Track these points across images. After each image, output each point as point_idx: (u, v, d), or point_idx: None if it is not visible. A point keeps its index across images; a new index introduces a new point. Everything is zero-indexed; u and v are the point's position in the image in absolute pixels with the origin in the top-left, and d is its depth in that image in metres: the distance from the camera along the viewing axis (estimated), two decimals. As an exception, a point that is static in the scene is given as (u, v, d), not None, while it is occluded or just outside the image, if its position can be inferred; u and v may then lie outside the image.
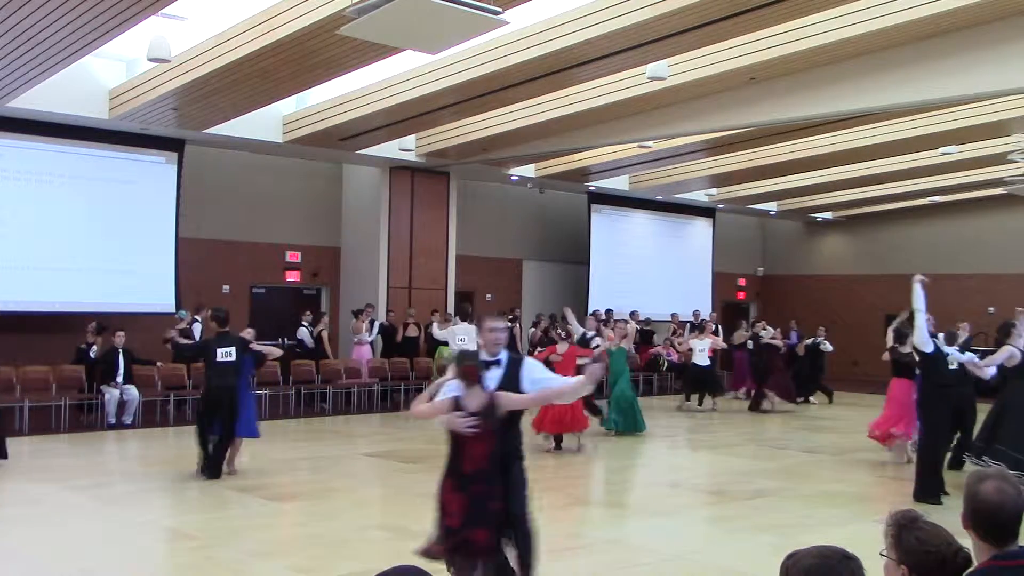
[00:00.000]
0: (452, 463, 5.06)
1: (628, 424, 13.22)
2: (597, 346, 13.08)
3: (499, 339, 5.32)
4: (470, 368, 5.00)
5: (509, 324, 18.52)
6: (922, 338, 8.96)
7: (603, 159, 17.65)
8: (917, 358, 9.29)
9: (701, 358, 16.80)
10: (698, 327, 18.82)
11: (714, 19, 9.70)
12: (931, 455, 9.01)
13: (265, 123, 14.52)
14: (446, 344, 17.08)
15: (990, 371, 9.92)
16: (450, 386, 5.11)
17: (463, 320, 14.69)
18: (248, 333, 10.30)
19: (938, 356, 9.14)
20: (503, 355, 5.29)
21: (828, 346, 18.62)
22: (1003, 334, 9.94)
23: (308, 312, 16.71)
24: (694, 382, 17.08)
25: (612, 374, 13.10)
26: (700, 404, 16.88)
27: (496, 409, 4.95)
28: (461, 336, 14.36)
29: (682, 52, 11.25)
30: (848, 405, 18.17)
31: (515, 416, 5.20)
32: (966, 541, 2.54)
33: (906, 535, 2.38)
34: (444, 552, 4.97)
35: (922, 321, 8.96)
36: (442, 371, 16.75)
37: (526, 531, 5.15)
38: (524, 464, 5.32)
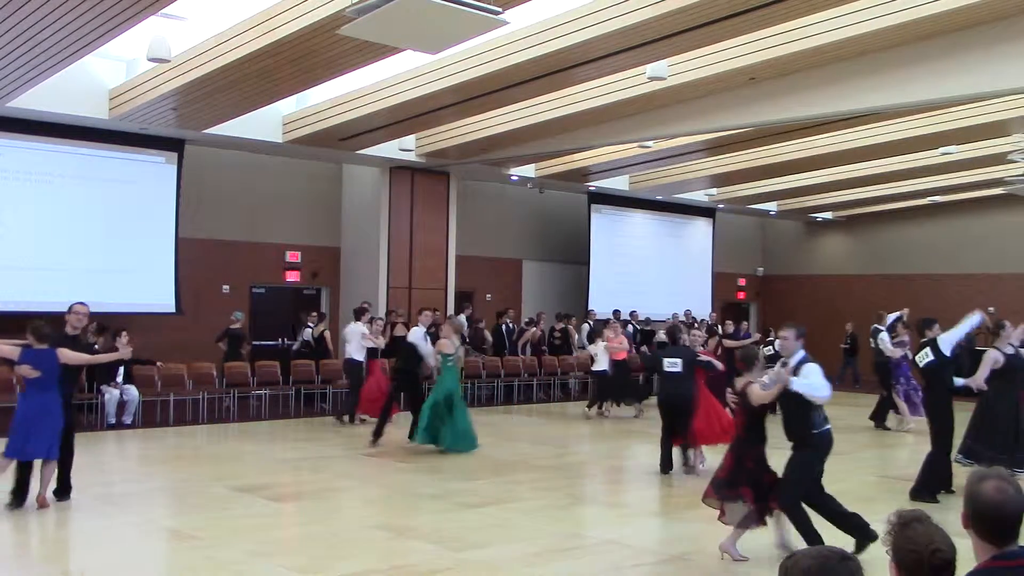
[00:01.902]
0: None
1: (431, 437, 11.42)
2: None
3: (786, 345, 6.86)
4: (740, 361, 6.96)
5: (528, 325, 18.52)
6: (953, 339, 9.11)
7: (603, 159, 17.65)
8: (924, 362, 9.22)
9: (599, 364, 15.32)
10: (595, 331, 16.65)
11: (714, 19, 9.69)
12: (938, 459, 9.01)
13: (265, 123, 14.52)
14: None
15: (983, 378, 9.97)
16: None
17: (356, 320, 14.33)
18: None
19: (948, 365, 9.15)
20: (797, 356, 6.74)
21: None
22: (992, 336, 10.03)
23: (314, 313, 16.74)
24: (601, 391, 15.58)
25: (443, 381, 11.68)
26: (601, 410, 15.47)
27: (746, 396, 6.72)
28: (347, 338, 14.08)
29: (682, 52, 11.24)
30: (845, 405, 18.16)
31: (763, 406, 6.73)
32: (966, 541, 2.54)
33: (899, 532, 2.40)
34: (716, 499, 6.84)
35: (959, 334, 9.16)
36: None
37: (782, 506, 6.69)
38: (804, 452, 6.68)
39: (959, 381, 10.07)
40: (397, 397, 12.51)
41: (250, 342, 15.39)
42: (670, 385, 10.44)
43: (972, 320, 9.34)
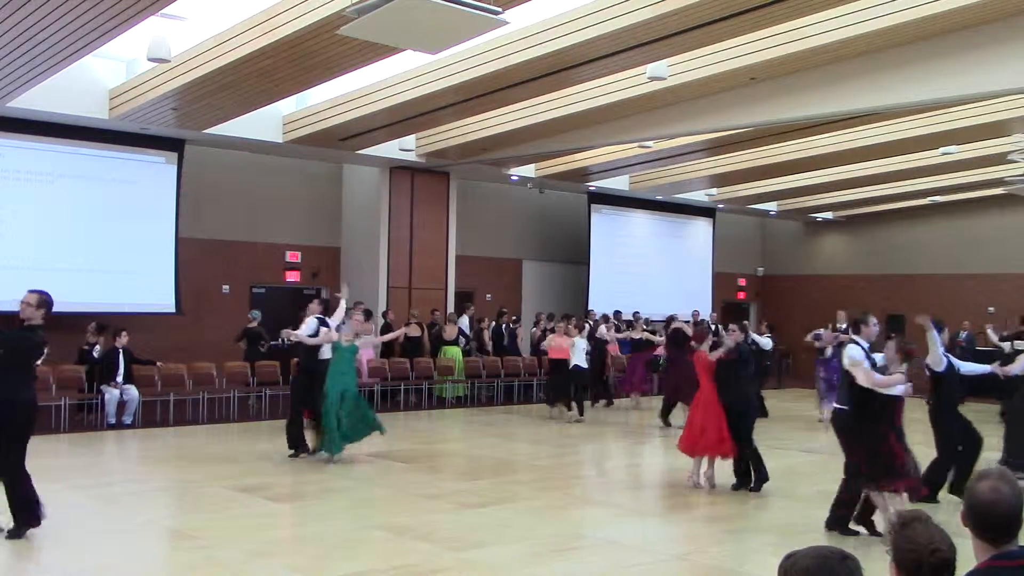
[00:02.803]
0: (889, 420, 7.14)
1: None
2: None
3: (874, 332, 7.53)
4: (912, 349, 7.21)
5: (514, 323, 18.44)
6: (936, 358, 8.84)
7: (603, 159, 17.65)
8: (928, 374, 9.15)
9: (581, 358, 14.63)
10: (578, 326, 15.34)
11: (714, 19, 9.70)
12: (940, 468, 8.95)
13: (265, 123, 14.53)
14: (453, 344, 17.06)
15: (1016, 370, 9.81)
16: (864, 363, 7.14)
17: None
18: None
19: (951, 375, 9.08)
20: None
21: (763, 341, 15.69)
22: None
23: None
24: (577, 386, 14.79)
25: (333, 376, 10.54)
26: (571, 410, 14.68)
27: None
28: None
29: (682, 52, 11.25)
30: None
31: None
32: (966, 541, 2.54)
33: (899, 532, 2.40)
34: (911, 486, 7.10)
35: (936, 342, 8.83)
36: (447, 371, 16.77)
37: None
38: None
39: (986, 368, 9.92)
40: (306, 401, 10.98)
41: (269, 340, 15.40)
42: (749, 386, 9.89)
43: (932, 334, 8.77)
